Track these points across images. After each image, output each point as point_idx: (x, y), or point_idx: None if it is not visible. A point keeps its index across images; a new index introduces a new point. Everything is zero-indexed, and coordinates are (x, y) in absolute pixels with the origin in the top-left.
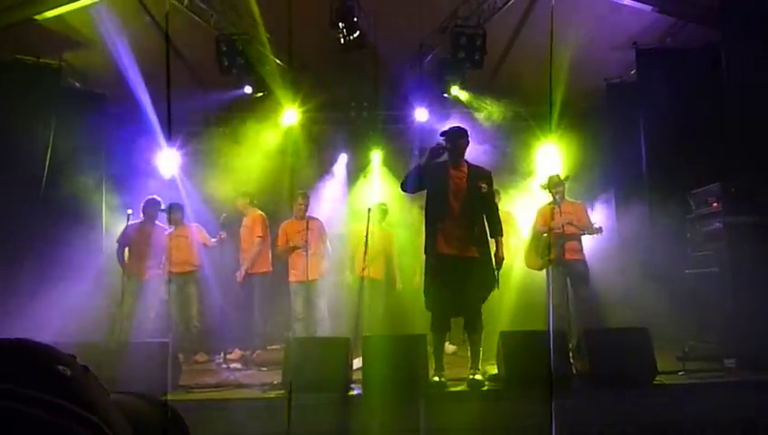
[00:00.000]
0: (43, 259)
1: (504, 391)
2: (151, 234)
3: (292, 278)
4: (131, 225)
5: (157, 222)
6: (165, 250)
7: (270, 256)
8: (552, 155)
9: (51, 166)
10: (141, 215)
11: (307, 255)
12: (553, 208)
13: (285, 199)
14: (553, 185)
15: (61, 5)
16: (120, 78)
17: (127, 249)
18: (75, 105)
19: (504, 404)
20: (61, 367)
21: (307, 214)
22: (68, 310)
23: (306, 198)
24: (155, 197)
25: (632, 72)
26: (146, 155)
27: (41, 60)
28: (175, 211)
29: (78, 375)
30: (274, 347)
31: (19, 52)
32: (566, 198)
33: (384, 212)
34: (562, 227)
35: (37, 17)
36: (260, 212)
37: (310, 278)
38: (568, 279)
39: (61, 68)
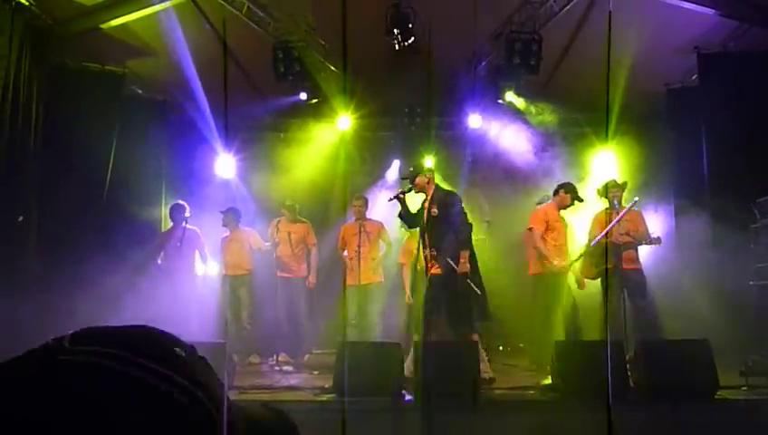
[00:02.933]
0: (103, 261)
1: (559, 402)
2: (180, 238)
3: (348, 282)
4: (164, 232)
5: (186, 225)
6: (194, 252)
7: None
8: (608, 162)
9: (113, 171)
10: (170, 220)
11: (359, 259)
12: (610, 215)
13: (337, 205)
14: (610, 190)
15: (125, 14)
16: (179, 85)
17: (163, 254)
18: (137, 112)
19: (558, 415)
20: (177, 349)
21: (365, 217)
22: (126, 310)
23: (361, 199)
24: (180, 202)
25: (694, 78)
26: (204, 160)
27: (105, 67)
28: (230, 215)
29: (193, 360)
30: (325, 351)
31: (85, 59)
32: (624, 205)
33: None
34: (620, 236)
35: (102, 26)
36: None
37: (363, 282)
38: (624, 289)
39: (124, 75)
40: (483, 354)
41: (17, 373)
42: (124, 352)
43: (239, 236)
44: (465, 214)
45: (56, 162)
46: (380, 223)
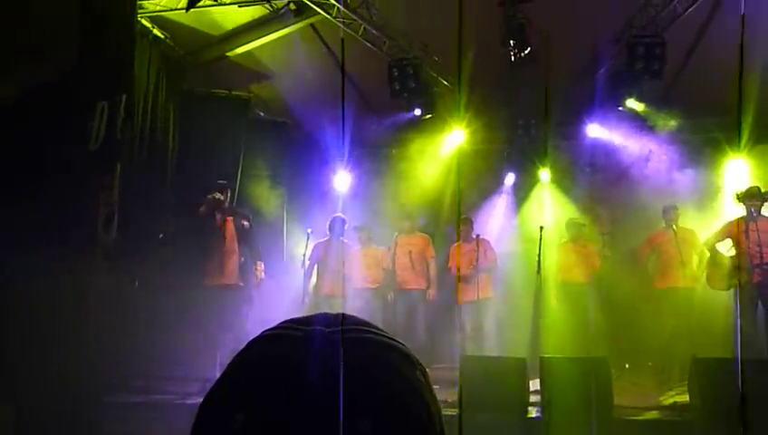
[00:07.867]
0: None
1: (696, 422)
2: (337, 251)
3: (462, 297)
4: (319, 243)
5: (342, 239)
6: (349, 266)
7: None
8: (742, 171)
9: (239, 189)
10: (327, 232)
11: (477, 275)
12: (747, 224)
13: (450, 220)
14: (750, 197)
15: (249, 42)
16: (298, 106)
17: (315, 267)
18: (261, 133)
19: None
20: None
21: (474, 234)
22: (256, 323)
23: (469, 223)
24: (340, 215)
25: None
26: (322, 177)
27: (232, 93)
28: (366, 232)
29: None
30: (444, 365)
31: (212, 85)
32: (763, 214)
33: (579, 227)
34: (760, 248)
35: (229, 54)
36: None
37: (480, 297)
38: (759, 302)
39: (249, 99)
40: None
41: (308, 348)
42: (368, 328)
43: (375, 252)
44: None
45: (189, 181)
46: (487, 240)
